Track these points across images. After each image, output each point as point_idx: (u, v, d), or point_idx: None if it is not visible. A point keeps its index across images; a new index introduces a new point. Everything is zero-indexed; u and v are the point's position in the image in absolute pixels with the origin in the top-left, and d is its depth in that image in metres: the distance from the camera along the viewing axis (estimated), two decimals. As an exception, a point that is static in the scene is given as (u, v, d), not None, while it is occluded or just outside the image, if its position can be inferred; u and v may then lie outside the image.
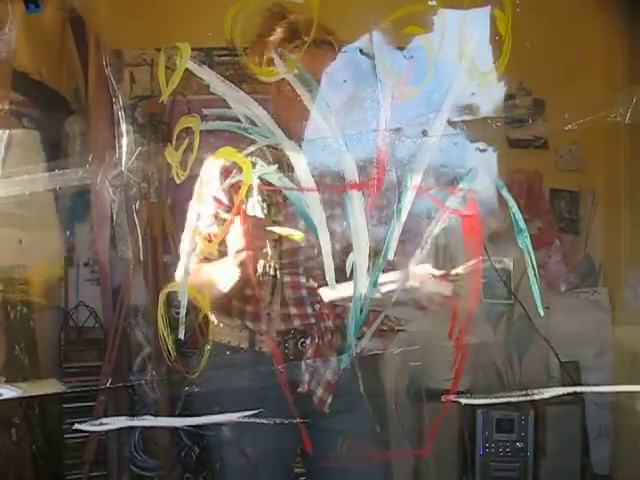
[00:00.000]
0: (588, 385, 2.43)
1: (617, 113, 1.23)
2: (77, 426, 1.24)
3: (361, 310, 1.19)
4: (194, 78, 1.18)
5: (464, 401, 1.31)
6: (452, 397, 1.32)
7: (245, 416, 1.42)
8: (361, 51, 1.24)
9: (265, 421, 1.32)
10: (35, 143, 2.42)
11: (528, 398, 1.25)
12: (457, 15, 1.12)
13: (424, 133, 1.18)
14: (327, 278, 1.22)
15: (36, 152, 2.41)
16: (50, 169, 1.70)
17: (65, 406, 2.47)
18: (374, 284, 1.16)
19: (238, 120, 1.16)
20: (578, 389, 1.33)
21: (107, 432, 2.56)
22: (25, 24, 2.01)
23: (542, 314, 1.17)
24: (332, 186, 1.19)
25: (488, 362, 2.65)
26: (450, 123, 1.21)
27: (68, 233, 2.67)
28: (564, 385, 2.31)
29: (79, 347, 2.59)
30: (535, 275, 1.16)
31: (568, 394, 1.25)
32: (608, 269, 2.71)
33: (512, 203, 1.27)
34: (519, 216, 1.22)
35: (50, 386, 2.30)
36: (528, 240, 1.18)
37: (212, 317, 1.46)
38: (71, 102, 2.63)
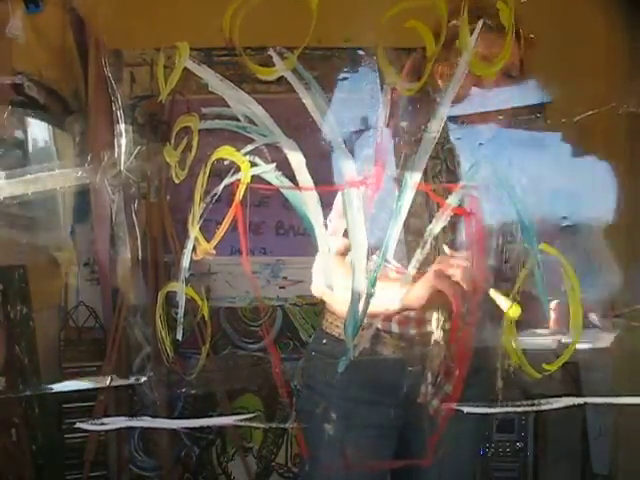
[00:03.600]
0: (588, 386, 2.42)
1: (616, 113, 1.23)
2: (77, 425, 1.23)
3: (359, 310, 1.18)
4: (194, 78, 1.18)
5: (466, 409, 1.29)
6: (453, 405, 1.30)
7: (243, 419, 1.41)
8: (361, 48, 1.24)
9: (262, 425, 1.31)
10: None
11: (535, 408, 1.22)
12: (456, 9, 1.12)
13: (424, 131, 1.18)
14: (326, 279, 1.21)
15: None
16: (50, 169, 1.70)
17: (65, 406, 2.47)
18: (372, 283, 1.16)
19: (237, 119, 1.15)
20: (588, 400, 1.31)
21: (107, 432, 2.56)
22: (25, 24, 2.01)
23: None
24: (330, 184, 1.18)
25: (488, 362, 2.64)
26: (450, 120, 1.21)
27: (68, 233, 2.68)
28: (564, 386, 2.30)
29: (79, 347, 2.59)
30: (541, 275, 1.15)
31: (568, 394, 1.24)
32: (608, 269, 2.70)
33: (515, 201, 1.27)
34: (524, 213, 1.20)
35: (50, 386, 2.30)
36: (534, 239, 1.17)
37: (331, 309, 1.46)
38: (71, 102, 2.63)
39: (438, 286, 1.14)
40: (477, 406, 1.29)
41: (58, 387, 2.18)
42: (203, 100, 1.19)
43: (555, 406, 1.20)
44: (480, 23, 1.08)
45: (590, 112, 1.23)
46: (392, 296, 1.22)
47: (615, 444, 2.62)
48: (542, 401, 1.20)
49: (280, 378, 1.32)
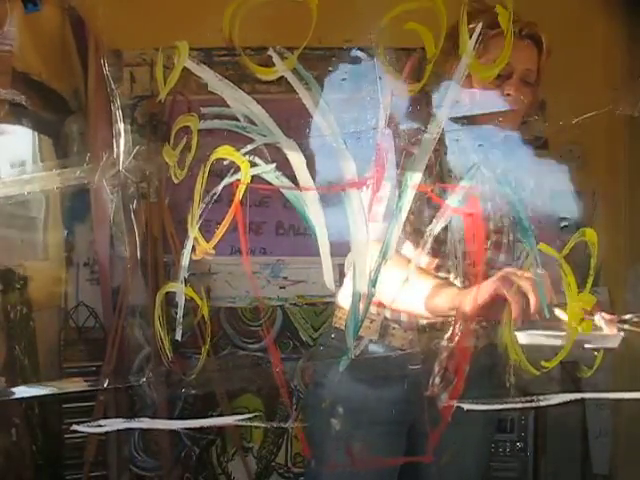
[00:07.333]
0: (588, 386, 2.42)
1: (614, 114, 1.23)
2: (75, 427, 1.22)
3: (360, 311, 1.18)
4: (194, 78, 1.18)
5: (467, 407, 1.29)
6: (453, 402, 1.30)
7: (242, 419, 1.41)
8: (361, 49, 1.24)
9: (263, 424, 1.31)
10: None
11: (534, 405, 1.22)
12: (456, 12, 1.12)
13: (424, 132, 1.18)
14: (325, 279, 1.21)
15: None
16: (49, 169, 1.69)
17: (65, 406, 2.47)
18: (373, 284, 1.16)
19: (236, 119, 1.15)
20: (586, 395, 1.30)
21: (106, 433, 2.56)
22: (25, 24, 2.01)
23: (547, 316, 1.13)
24: (331, 185, 1.18)
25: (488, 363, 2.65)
26: (450, 121, 1.21)
27: (68, 233, 2.67)
28: (563, 385, 2.31)
29: (79, 347, 2.59)
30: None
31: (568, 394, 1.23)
32: (608, 269, 2.70)
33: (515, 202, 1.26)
34: (524, 215, 1.20)
35: (50, 386, 2.29)
36: (533, 240, 1.17)
37: (339, 303, 1.46)
38: (71, 102, 2.63)
39: (502, 290, 1.07)
40: (477, 403, 1.28)
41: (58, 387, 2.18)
42: (203, 100, 1.19)
43: (553, 402, 1.18)
44: (479, 27, 1.09)
45: (589, 114, 1.23)
46: (448, 297, 1.18)
47: (615, 444, 2.62)
48: (540, 397, 1.18)
49: (280, 377, 1.32)
